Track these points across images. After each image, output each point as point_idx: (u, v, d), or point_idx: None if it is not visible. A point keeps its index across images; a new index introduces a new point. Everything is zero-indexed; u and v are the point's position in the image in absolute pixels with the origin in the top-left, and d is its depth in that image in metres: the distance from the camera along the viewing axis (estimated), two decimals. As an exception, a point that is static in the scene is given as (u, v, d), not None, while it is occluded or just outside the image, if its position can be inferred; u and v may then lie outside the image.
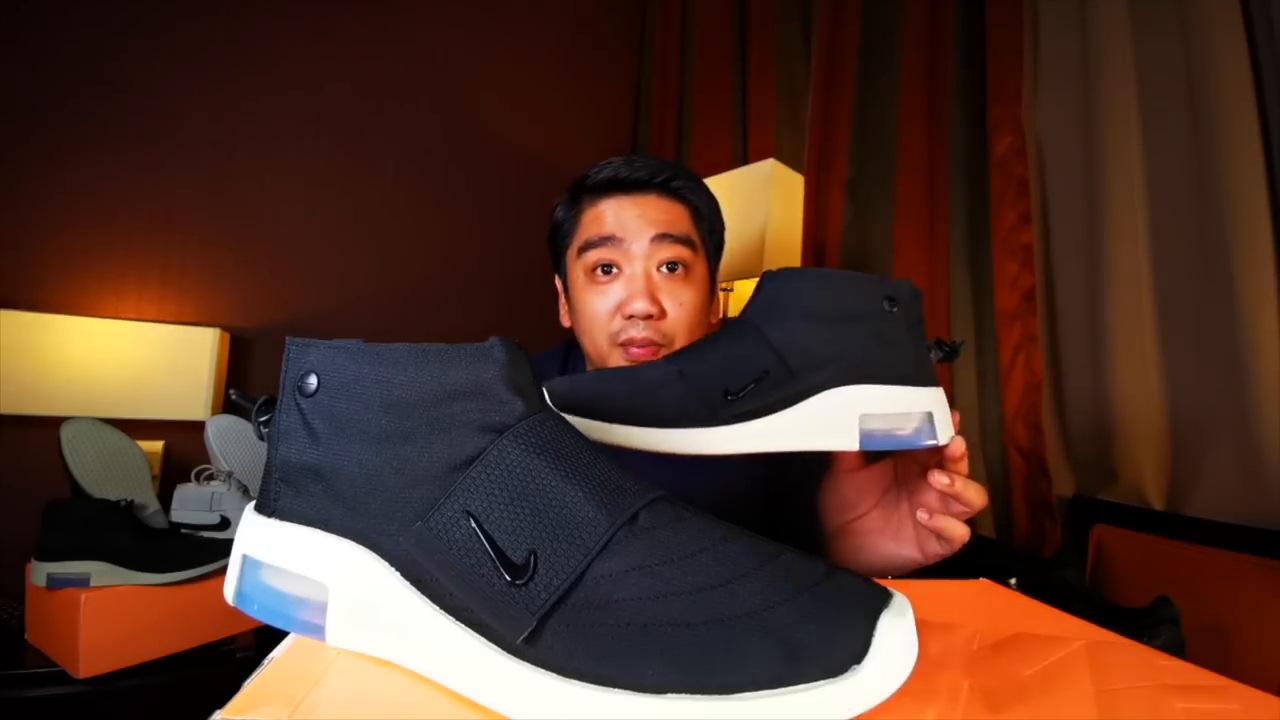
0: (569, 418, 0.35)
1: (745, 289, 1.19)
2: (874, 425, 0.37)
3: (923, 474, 0.44)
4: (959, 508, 0.43)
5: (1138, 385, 0.78)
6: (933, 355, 0.42)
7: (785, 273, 0.40)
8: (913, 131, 1.02)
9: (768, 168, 1.11)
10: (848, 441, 0.37)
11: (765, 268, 1.06)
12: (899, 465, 0.48)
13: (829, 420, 0.37)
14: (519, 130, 1.56)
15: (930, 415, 0.39)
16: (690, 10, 1.56)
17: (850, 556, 0.49)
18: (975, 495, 0.42)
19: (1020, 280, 0.86)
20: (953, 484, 0.41)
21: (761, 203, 1.09)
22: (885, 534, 0.48)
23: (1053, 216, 0.89)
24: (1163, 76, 0.77)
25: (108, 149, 1.12)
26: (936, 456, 0.43)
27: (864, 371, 0.38)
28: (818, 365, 0.37)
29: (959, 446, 0.41)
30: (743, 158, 1.40)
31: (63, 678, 0.73)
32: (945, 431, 0.40)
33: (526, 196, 1.53)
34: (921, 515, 0.44)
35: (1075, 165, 0.85)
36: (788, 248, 1.13)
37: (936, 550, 0.45)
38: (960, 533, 0.43)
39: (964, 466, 0.42)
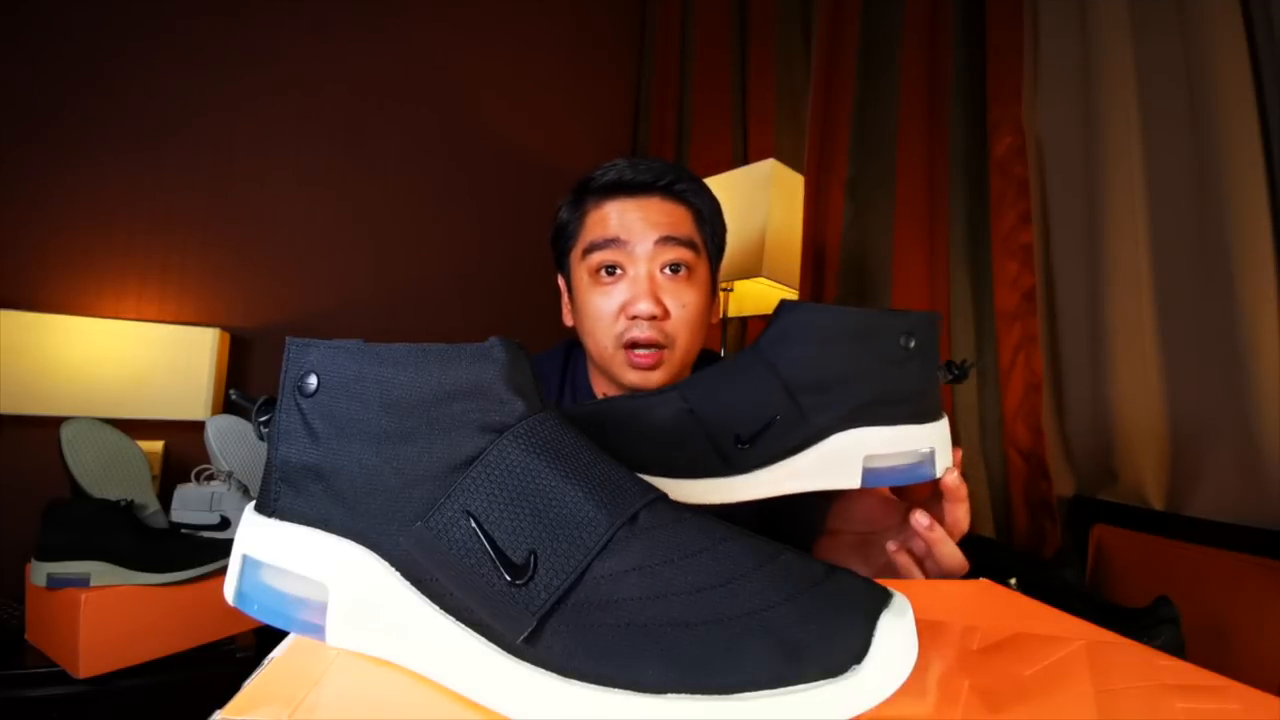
0: None
1: (745, 289, 1.19)
2: (876, 464, 0.38)
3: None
4: (931, 566, 0.42)
5: (1138, 385, 0.78)
6: (941, 376, 0.42)
7: (803, 306, 0.40)
8: (913, 131, 1.02)
9: (768, 168, 1.11)
10: (850, 481, 0.38)
11: (765, 268, 1.06)
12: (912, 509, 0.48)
13: (835, 464, 0.38)
14: (519, 130, 1.56)
15: (932, 452, 0.40)
16: (690, 10, 1.56)
17: (820, 556, 0.50)
18: (949, 555, 0.41)
19: (1020, 280, 0.86)
20: (931, 529, 0.41)
21: (761, 203, 1.09)
22: (858, 556, 0.48)
23: (1053, 216, 0.89)
24: (1163, 76, 0.77)
25: (108, 149, 1.12)
26: (937, 498, 0.43)
27: (873, 412, 0.38)
28: (827, 406, 0.37)
29: (952, 480, 0.41)
30: (743, 158, 1.40)
31: (63, 678, 0.73)
32: (942, 465, 0.40)
33: (526, 197, 1.53)
34: (890, 545, 0.43)
35: (1075, 165, 0.85)
36: (788, 248, 1.12)
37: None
38: (914, 577, 0.42)
39: (961, 513, 0.42)
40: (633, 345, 0.58)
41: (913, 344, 0.39)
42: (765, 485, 0.37)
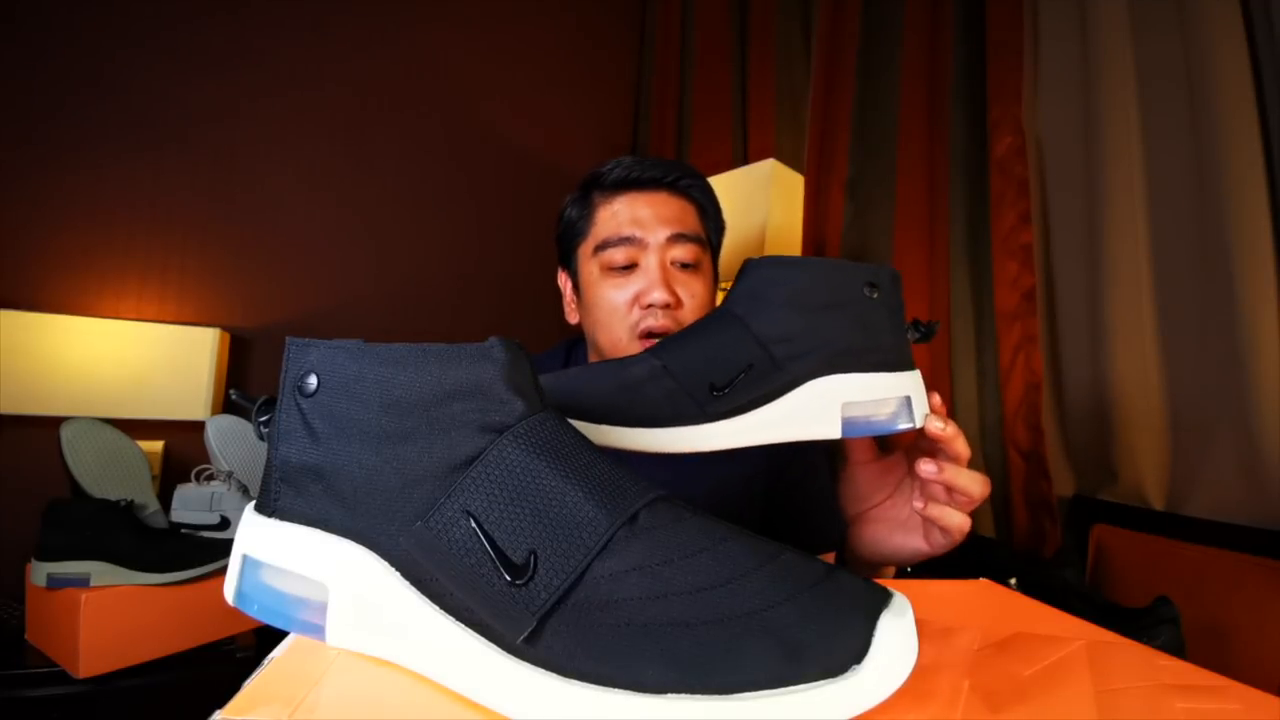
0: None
1: (745, 289, 1.19)
2: (854, 413, 0.38)
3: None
4: (961, 498, 0.43)
5: (1138, 385, 0.78)
6: (910, 336, 0.43)
7: (767, 261, 0.40)
8: (913, 131, 1.02)
9: (768, 168, 1.11)
10: (830, 430, 0.38)
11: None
12: (911, 458, 0.48)
13: (812, 411, 0.38)
14: (519, 130, 1.56)
15: (908, 399, 0.40)
16: (690, 10, 1.56)
17: (863, 545, 0.50)
18: (969, 482, 0.42)
19: (1020, 280, 0.86)
20: (941, 471, 0.41)
21: (761, 203, 1.09)
22: (895, 524, 0.49)
23: (1053, 216, 0.89)
24: (1163, 77, 0.77)
25: (108, 149, 1.12)
26: (931, 443, 0.43)
27: (846, 360, 0.39)
28: (801, 355, 0.38)
29: (933, 427, 0.41)
30: (743, 158, 1.40)
31: (63, 678, 0.73)
32: (921, 413, 0.41)
33: (526, 196, 1.53)
34: (916, 504, 0.44)
35: (1075, 165, 0.85)
36: (788, 247, 1.12)
37: (941, 541, 0.45)
38: (957, 522, 0.42)
39: (959, 446, 0.42)
40: (648, 334, 0.60)
41: (876, 295, 0.40)
42: (743, 433, 0.37)
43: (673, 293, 0.59)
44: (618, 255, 0.60)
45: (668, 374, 0.37)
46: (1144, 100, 0.79)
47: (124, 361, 1.06)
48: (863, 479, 0.51)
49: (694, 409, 0.36)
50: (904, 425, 0.40)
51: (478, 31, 1.51)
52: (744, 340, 0.38)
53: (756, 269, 0.40)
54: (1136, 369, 0.78)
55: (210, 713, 0.19)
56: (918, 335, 0.43)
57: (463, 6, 1.50)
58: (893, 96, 1.05)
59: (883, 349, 0.40)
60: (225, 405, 1.15)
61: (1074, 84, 0.86)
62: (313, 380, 0.24)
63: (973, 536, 0.45)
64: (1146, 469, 0.78)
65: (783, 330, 0.38)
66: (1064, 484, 0.87)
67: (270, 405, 0.26)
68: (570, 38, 1.65)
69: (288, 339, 0.25)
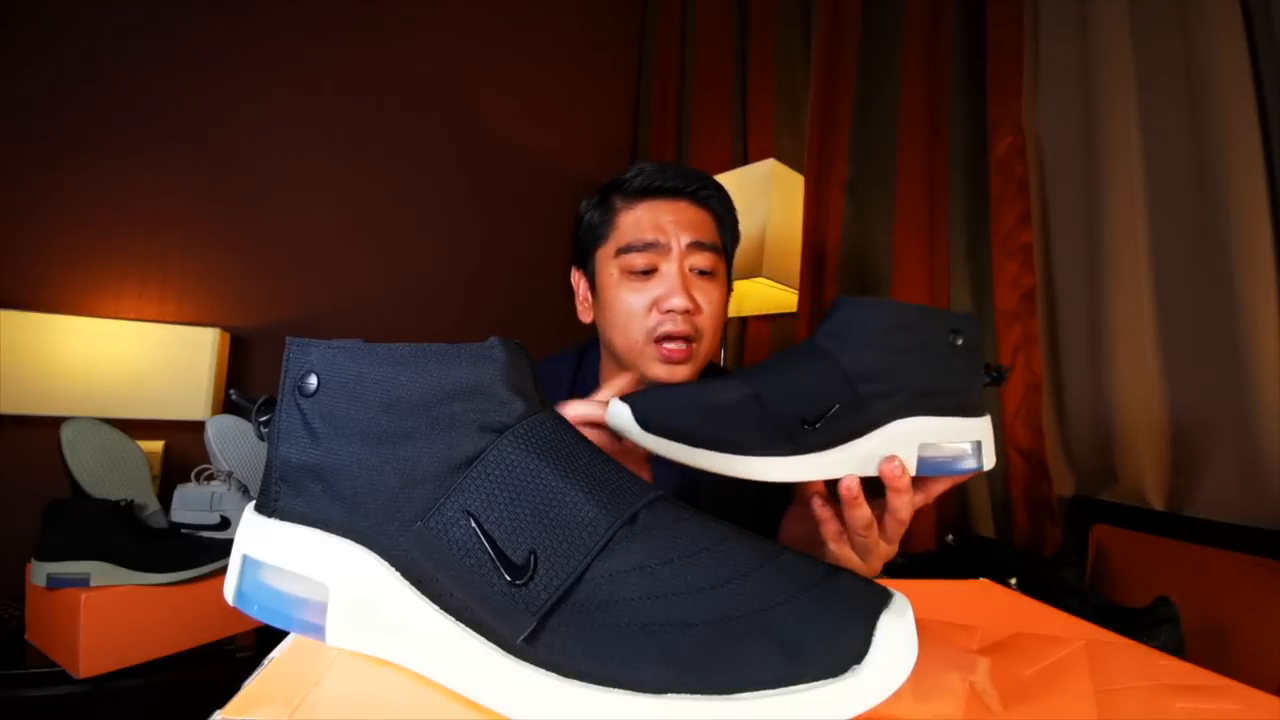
0: (653, 439, 0.37)
1: (745, 289, 1.19)
2: (930, 454, 0.41)
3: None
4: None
5: (1138, 385, 0.78)
6: (983, 381, 0.44)
7: (858, 301, 0.42)
8: (913, 131, 1.01)
9: (768, 168, 1.11)
10: (908, 468, 0.40)
11: (765, 268, 1.06)
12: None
13: (893, 450, 0.40)
14: (519, 131, 1.56)
15: (979, 444, 0.42)
16: (690, 11, 1.56)
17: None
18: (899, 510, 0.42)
19: (1020, 280, 0.86)
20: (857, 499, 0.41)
21: (761, 203, 1.09)
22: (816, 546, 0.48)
23: (1053, 216, 0.89)
24: (1163, 76, 0.77)
25: (108, 149, 1.12)
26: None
27: (926, 403, 0.40)
28: (885, 395, 0.40)
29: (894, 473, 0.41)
30: (743, 158, 1.40)
31: (63, 678, 0.73)
32: (989, 458, 0.43)
33: (526, 197, 1.53)
34: (817, 502, 0.44)
35: (1075, 165, 0.85)
36: (788, 248, 1.12)
37: (862, 548, 0.45)
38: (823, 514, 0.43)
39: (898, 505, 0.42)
40: (665, 339, 0.62)
41: (960, 341, 0.42)
42: (828, 467, 0.39)
43: (692, 299, 0.61)
44: (640, 260, 0.62)
45: (758, 402, 0.39)
46: (1144, 100, 0.79)
47: (124, 361, 1.06)
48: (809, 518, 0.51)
49: (784, 440, 0.38)
50: (971, 467, 0.42)
51: (478, 33, 1.51)
52: (834, 375, 0.40)
53: (847, 307, 0.42)
54: (1136, 369, 0.78)
55: (210, 713, 0.19)
56: (989, 380, 0.45)
57: (463, 9, 1.50)
58: (892, 96, 1.05)
59: (960, 394, 0.42)
60: (225, 405, 1.15)
61: (1074, 84, 0.86)
62: (313, 380, 0.24)
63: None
64: (1146, 469, 0.78)
65: (868, 367, 0.40)
66: (1064, 484, 0.87)
67: (270, 405, 0.26)
68: (571, 39, 1.66)
69: (288, 339, 0.25)
